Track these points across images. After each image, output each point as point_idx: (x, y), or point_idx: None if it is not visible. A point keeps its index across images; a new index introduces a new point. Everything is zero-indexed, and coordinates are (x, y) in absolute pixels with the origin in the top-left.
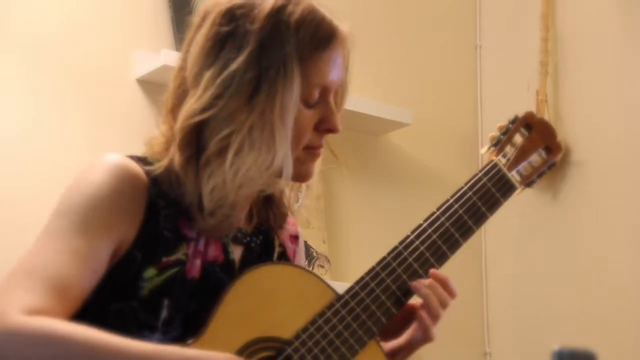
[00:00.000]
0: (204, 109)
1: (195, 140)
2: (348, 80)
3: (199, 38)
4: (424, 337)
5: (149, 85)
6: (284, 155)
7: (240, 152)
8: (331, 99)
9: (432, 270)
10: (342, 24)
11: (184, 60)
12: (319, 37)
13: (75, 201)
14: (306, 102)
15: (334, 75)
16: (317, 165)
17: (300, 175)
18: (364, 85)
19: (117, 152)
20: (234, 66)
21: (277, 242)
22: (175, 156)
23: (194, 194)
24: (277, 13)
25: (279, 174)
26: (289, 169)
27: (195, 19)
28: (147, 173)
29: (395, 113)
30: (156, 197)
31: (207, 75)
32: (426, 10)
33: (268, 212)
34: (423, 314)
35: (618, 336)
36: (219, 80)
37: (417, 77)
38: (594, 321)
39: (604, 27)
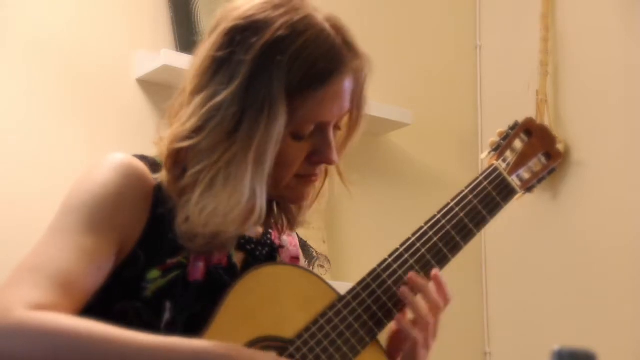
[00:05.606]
0: (185, 137)
1: (180, 163)
2: (363, 104)
3: (202, 52)
4: (413, 347)
5: (149, 85)
6: (256, 196)
7: (208, 190)
8: (330, 131)
9: (434, 272)
10: (358, 49)
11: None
12: (314, 73)
13: (81, 199)
14: (296, 136)
15: (333, 109)
16: (315, 188)
17: (292, 199)
18: None
19: (117, 151)
20: (220, 98)
21: (279, 260)
22: (164, 173)
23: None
24: (273, 44)
25: (251, 214)
26: (261, 212)
27: (213, 22)
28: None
29: (395, 113)
30: (161, 200)
31: (197, 100)
32: (426, 10)
33: (281, 216)
34: (405, 324)
35: (618, 336)
36: (204, 109)
37: (417, 77)
38: (594, 321)
39: (604, 27)
